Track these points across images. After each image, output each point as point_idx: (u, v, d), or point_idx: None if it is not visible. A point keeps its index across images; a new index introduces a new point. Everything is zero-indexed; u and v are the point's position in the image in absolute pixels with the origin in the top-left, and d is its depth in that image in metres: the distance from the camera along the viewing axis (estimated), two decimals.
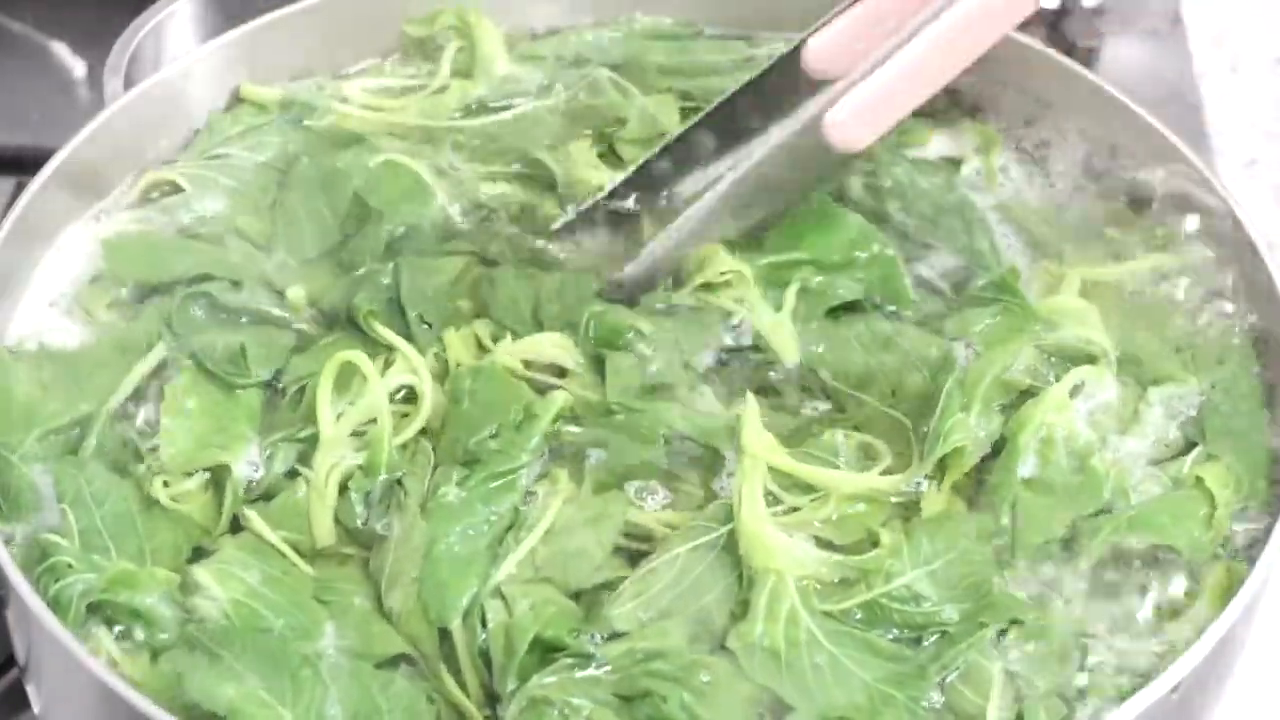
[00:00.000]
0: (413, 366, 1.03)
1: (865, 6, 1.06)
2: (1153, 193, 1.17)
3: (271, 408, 1.04)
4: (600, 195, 1.14)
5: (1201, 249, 1.13)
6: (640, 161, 1.15)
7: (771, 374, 1.06)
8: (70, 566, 0.92)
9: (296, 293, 1.09)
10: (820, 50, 1.07)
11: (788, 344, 1.06)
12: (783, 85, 1.11)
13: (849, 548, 0.95)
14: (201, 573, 0.93)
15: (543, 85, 1.26)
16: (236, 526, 0.98)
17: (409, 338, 1.05)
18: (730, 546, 0.95)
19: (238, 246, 1.13)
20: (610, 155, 1.21)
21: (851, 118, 1.00)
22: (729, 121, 1.13)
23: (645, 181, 1.15)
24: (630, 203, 1.15)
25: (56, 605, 0.90)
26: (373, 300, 1.07)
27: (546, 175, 1.19)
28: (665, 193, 1.15)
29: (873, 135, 1.03)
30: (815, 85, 1.09)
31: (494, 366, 1.02)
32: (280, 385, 1.04)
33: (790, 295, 1.07)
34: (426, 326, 1.06)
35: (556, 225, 1.15)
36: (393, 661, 0.92)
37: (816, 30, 1.09)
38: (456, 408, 1.00)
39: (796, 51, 1.10)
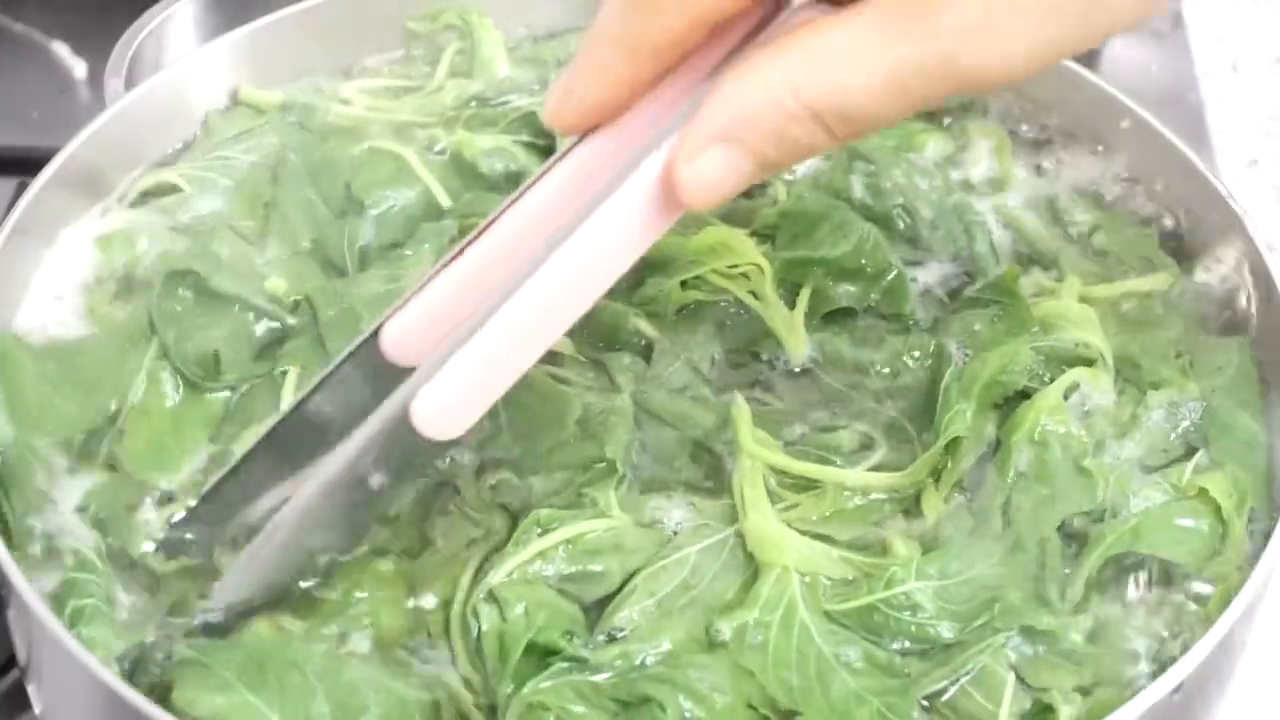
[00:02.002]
0: None
1: (443, 283, 0.86)
2: (1153, 193, 1.17)
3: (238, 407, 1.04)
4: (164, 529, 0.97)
5: (1201, 249, 1.13)
6: (202, 492, 0.96)
7: (764, 370, 1.06)
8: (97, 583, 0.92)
9: (276, 283, 1.09)
10: (399, 337, 0.87)
11: (800, 344, 1.06)
12: (362, 377, 0.90)
13: (862, 547, 0.96)
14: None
15: (543, 82, 1.26)
16: None
17: None
18: (741, 546, 0.95)
19: (233, 247, 1.13)
20: None
21: (441, 406, 0.82)
22: (303, 429, 0.92)
23: (213, 514, 0.95)
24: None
25: (81, 618, 0.90)
26: (294, 355, 1.04)
27: (543, 144, 1.19)
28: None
29: (473, 417, 0.84)
30: (401, 373, 0.87)
31: (534, 375, 0.99)
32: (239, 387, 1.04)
33: (805, 295, 1.07)
34: None
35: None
36: (384, 660, 0.91)
37: (393, 315, 0.87)
38: (492, 416, 0.98)
39: (374, 339, 0.88)
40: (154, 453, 1.00)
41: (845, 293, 1.08)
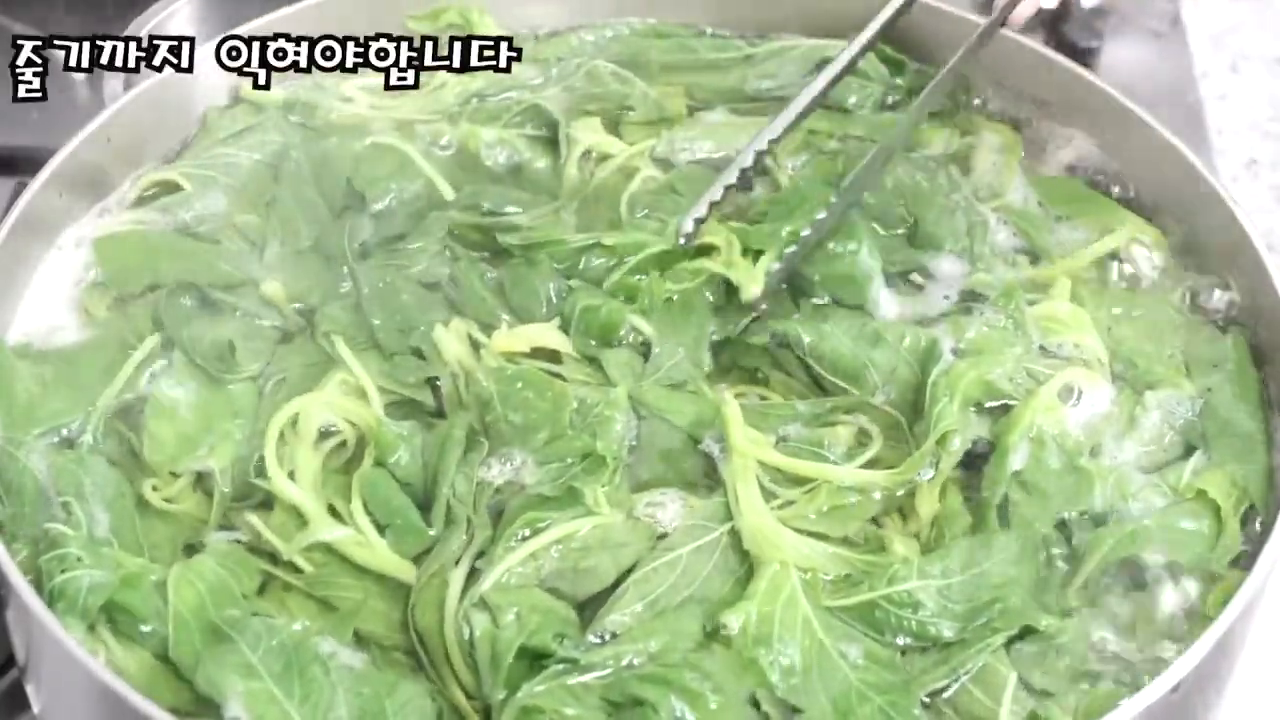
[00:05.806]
0: (361, 387, 1.02)
1: None
2: (1151, 193, 1.17)
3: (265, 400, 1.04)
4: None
5: (1200, 249, 1.13)
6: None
7: (762, 365, 1.06)
8: (79, 560, 0.92)
9: (273, 287, 1.09)
10: None
11: (750, 284, 1.07)
12: None
13: (857, 544, 0.96)
14: None
15: (542, 82, 1.26)
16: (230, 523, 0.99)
17: (377, 346, 1.05)
18: (734, 545, 0.95)
19: (233, 245, 1.13)
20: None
21: None
22: None
23: None
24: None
25: (62, 596, 0.91)
26: (334, 319, 1.06)
27: (546, 136, 1.20)
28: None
29: None
30: None
31: (530, 370, 1.02)
32: (263, 380, 1.05)
33: (766, 258, 1.08)
34: (400, 333, 1.06)
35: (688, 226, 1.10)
36: (398, 664, 0.92)
37: None
38: (490, 412, 1.00)
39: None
40: (180, 444, 1.00)
41: (806, 269, 1.09)
